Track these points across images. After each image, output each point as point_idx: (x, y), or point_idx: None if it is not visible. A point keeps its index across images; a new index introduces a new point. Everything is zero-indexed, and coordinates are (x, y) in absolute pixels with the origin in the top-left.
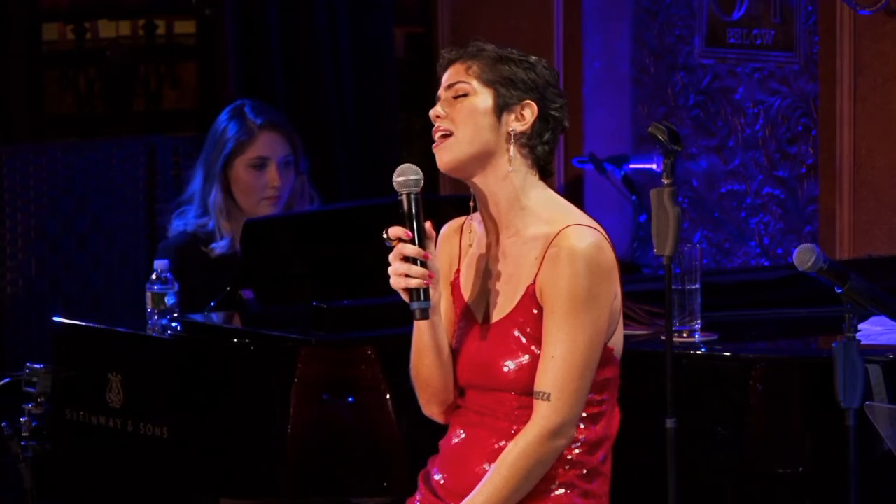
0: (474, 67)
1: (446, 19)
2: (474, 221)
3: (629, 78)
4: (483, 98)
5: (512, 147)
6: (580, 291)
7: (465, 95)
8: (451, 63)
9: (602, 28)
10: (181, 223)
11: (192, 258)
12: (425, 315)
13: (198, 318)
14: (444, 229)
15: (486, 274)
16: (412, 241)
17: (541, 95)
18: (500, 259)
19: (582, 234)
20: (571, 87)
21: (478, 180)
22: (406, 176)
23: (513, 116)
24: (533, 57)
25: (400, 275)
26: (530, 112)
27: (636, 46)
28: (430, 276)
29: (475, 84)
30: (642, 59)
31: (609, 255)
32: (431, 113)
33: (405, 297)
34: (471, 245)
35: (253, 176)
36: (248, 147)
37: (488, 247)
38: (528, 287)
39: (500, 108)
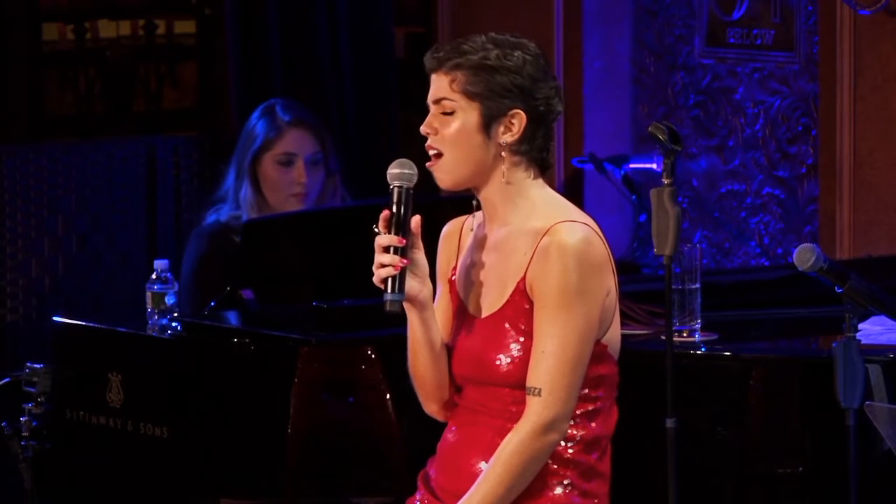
0: (458, 80)
1: (446, 19)
2: (474, 221)
3: (629, 78)
4: (469, 115)
5: (506, 159)
6: (570, 286)
7: (451, 113)
8: (433, 71)
9: (602, 28)
10: (215, 216)
11: (223, 245)
12: (395, 307)
13: (198, 318)
14: (445, 228)
15: (479, 268)
16: (391, 229)
17: (528, 97)
18: (492, 253)
19: (572, 229)
20: (571, 87)
21: (478, 190)
22: (400, 169)
23: (501, 128)
24: (516, 54)
25: (377, 266)
26: (519, 121)
27: (636, 46)
28: (405, 262)
29: (460, 100)
30: (642, 59)
31: (600, 251)
32: (422, 128)
33: (381, 287)
34: (468, 243)
35: (280, 172)
36: (275, 143)
37: (482, 242)
38: (518, 282)
39: (488, 122)
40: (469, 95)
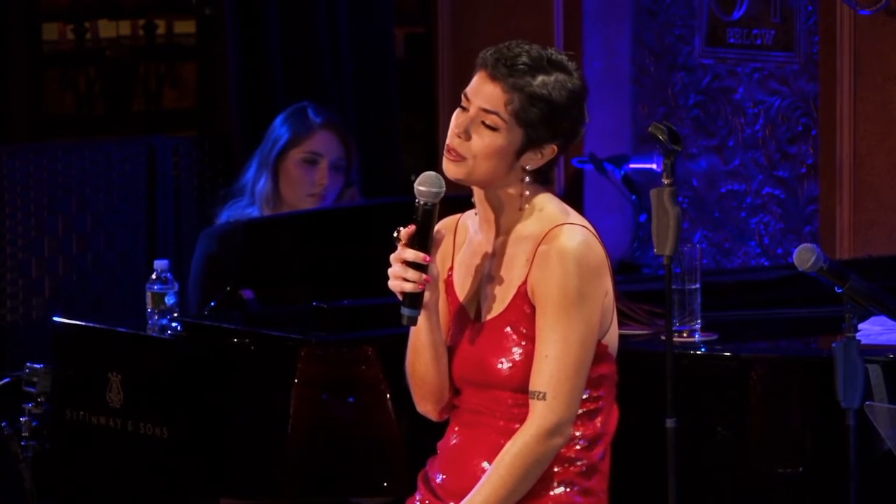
0: (515, 103)
1: (446, 19)
2: (468, 219)
3: (629, 78)
4: (512, 137)
5: (523, 180)
6: (571, 290)
7: (494, 129)
8: (491, 77)
9: (602, 28)
10: (228, 214)
11: (234, 245)
12: (412, 322)
13: (198, 318)
14: (438, 226)
15: (479, 272)
16: (416, 245)
17: (567, 135)
18: (493, 258)
19: (571, 232)
20: None
21: (483, 192)
22: (427, 187)
23: (532, 154)
24: (568, 87)
25: (397, 277)
26: (549, 153)
27: (636, 46)
28: (427, 280)
29: (511, 121)
30: (642, 59)
31: (598, 253)
32: (455, 130)
33: (400, 298)
34: (464, 242)
35: (303, 171)
36: (303, 141)
37: (481, 245)
38: (519, 286)
39: (523, 149)
40: (519, 120)
